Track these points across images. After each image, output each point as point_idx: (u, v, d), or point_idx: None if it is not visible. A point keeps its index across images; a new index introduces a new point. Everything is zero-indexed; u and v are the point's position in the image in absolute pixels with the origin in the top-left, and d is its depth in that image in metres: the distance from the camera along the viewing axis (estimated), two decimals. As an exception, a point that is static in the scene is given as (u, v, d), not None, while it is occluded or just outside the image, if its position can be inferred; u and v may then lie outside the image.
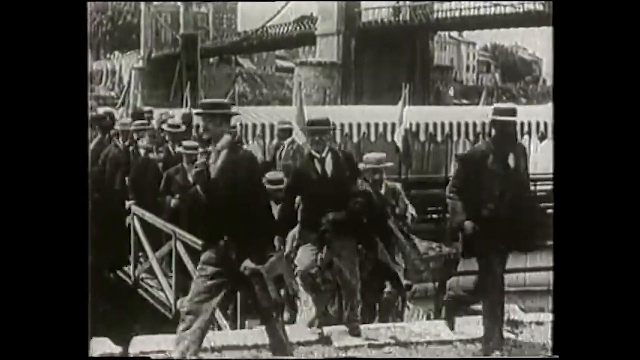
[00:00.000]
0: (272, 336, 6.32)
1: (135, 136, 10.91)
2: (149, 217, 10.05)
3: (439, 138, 16.06)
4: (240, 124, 12.86)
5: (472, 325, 7.49)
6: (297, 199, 7.52)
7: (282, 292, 6.32)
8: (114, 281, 11.00)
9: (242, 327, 7.98)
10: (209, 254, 6.15)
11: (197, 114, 6.94)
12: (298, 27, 44.97)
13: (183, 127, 11.22)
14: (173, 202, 9.64)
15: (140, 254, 10.59)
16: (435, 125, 15.97)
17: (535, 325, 7.36)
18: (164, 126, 11.20)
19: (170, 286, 9.59)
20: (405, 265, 7.97)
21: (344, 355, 6.69)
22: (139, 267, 10.48)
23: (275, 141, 12.68)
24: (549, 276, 6.30)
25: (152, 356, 6.55)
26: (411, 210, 8.55)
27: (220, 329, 8.31)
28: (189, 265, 8.99)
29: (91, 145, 10.54)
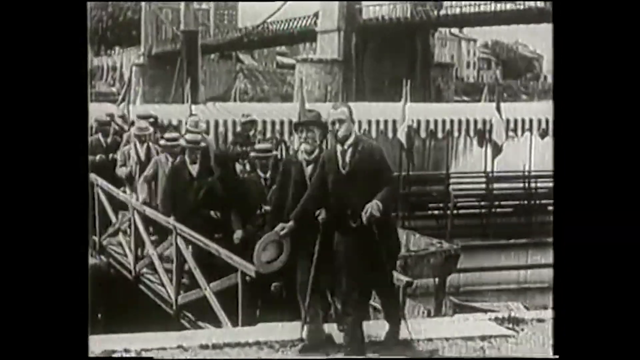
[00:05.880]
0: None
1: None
2: (149, 212, 10.04)
3: (439, 135, 16.06)
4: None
5: (471, 322, 7.51)
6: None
7: None
8: (114, 277, 10.98)
9: (244, 324, 7.98)
10: None
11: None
12: (312, 22, 45.07)
13: None
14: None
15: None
16: (436, 122, 15.98)
17: (536, 323, 7.36)
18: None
19: (171, 281, 9.57)
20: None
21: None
22: (139, 262, 10.47)
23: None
24: (550, 273, 6.31)
25: (153, 354, 6.56)
26: None
27: (220, 326, 8.32)
28: (190, 261, 8.99)
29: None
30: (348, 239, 6.37)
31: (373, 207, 6.17)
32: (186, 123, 12.07)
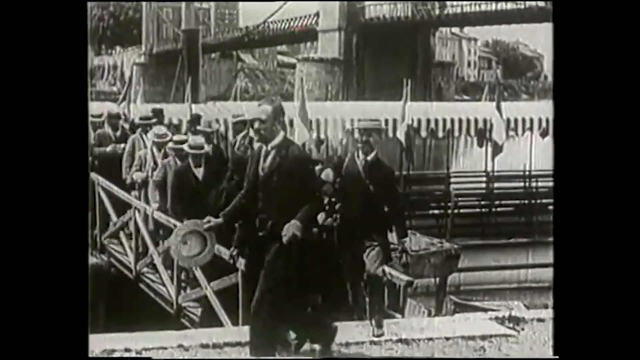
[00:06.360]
0: None
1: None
2: (156, 214, 10.03)
3: (440, 134, 16.08)
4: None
5: (471, 322, 7.52)
6: None
7: None
8: (115, 276, 10.98)
9: (244, 323, 7.97)
10: None
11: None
12: (313, 21, 45.18)
13: None
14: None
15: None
16: (436, 121, 15.99)
17: (537, 322, 7.37)
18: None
19: (172, 280, 9.57)
20: None
21: (345, 350, 6.69)
22: (140, 262, 10.46)
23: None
24: (550, 273, 6.31)
25: (153, 353, 6.56)
26: None
27: (221, 325, 8.32)
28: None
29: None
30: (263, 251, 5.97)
31: (293, 226, 5.76)
32: (200, 124, 12.11)
